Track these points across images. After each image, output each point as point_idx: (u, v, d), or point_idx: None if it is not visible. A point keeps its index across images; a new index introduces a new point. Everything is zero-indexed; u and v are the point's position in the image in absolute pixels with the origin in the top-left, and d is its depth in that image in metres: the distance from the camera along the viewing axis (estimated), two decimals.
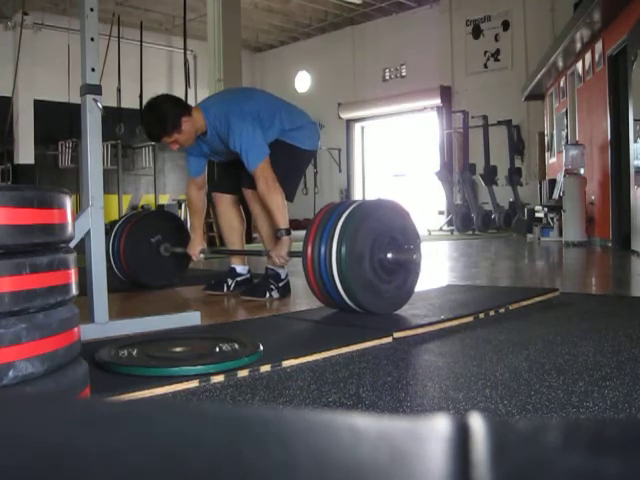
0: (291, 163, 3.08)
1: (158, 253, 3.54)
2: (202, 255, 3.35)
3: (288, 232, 2.93)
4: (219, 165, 3.44)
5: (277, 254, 2.92)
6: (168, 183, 14.11)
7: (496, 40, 12.85)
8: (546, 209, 8.24)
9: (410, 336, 2.10)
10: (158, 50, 14.17)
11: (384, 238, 2.41)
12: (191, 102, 6.89)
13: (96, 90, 2.17)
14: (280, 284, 3.12)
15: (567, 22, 7.92)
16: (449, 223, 11.29)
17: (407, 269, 2.47)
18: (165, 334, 2.12)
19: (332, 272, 2.32)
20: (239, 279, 3.32)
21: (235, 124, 2.93)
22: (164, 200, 13.89)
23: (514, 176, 11.01)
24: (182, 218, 14.75)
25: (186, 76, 9.34)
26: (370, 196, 15.81)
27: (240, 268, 3.35)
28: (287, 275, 3.19)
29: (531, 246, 7.69)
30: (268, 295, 3.07)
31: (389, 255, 2.41)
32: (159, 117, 2.93)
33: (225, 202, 3.28)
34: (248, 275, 3.37)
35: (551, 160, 10.55)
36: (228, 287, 3.28)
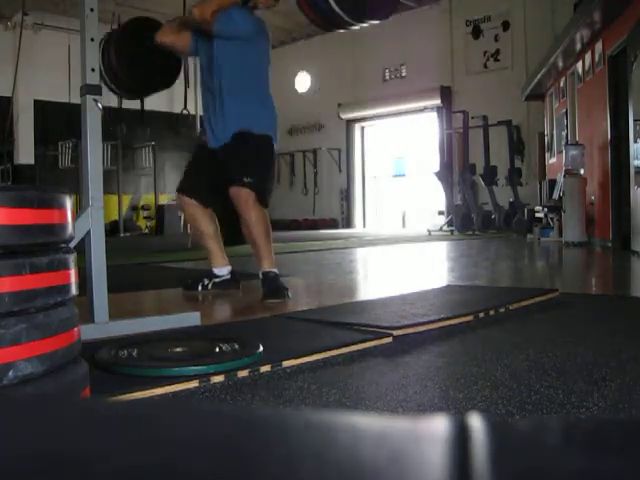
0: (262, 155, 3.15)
1: (149, 52, 3.52)
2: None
3: None
4: (194, 164, 3.43)
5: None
6: (168, 183, 14.10)
7: (496, 40, 12.85)
8: (546, 209, 8.24)
9: (410, 335, 2.09)
10: None
11: None
12: (191, 103, 6.89)
13: (96, 90, 2.17)
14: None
15: (567, 22, 7.92)
16: (449, 223, 11.29)
17: None
18: (165, 334, 2.12)
19: None
20: (217, 280, 3.40)
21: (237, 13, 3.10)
22: (164, 200, 13.89)
23: (514, 176, 10.99)
24: (183, 218, 14.70)
25: (186, 76, 9.33)
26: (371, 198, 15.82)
27: (217, 270, 3.39)
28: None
29: (531, 246, 7.69)
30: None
31: None
32: None
33: (193, 207, 3.31)
34: (228, 276, 3.42)
35: (551, 160, 10.55)
36: (204, 286, 3.36)
